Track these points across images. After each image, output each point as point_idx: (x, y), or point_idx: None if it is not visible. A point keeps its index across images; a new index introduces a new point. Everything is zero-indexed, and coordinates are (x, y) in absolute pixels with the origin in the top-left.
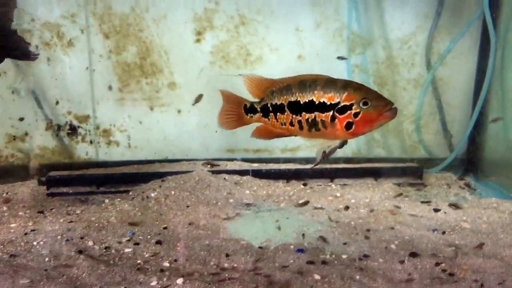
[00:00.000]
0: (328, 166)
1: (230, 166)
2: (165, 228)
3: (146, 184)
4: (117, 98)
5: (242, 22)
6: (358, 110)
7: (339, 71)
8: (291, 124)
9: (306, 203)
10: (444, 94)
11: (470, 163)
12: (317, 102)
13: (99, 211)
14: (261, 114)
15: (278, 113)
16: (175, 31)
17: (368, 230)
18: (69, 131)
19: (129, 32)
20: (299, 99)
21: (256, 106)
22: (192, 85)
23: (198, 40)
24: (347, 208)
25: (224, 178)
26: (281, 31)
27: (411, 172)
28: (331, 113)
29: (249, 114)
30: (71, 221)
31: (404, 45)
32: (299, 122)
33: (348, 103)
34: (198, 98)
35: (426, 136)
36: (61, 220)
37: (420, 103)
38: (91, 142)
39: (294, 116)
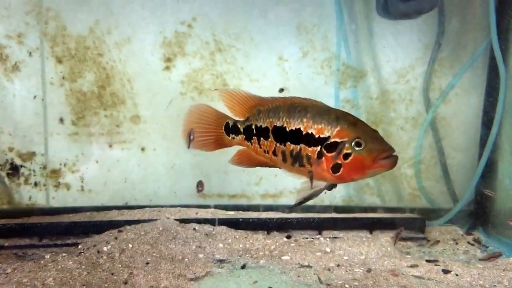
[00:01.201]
0: (315, 215)
1: (201, 214)
2: None
3: (100, 236)
4: (70, 133)
5: (218, 49)
6: (349, 151)
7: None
8: (274, 153)
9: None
10: (447, 136)
11: (479, 216)
12: (304, 133)
13: (35, 270)
14: (244, 137)
15: (261, 138)
16: (141, 57)
17: None
18: (10, 171)
19: (87, 57)
20: (285, 125)
21: (239, 126)
22: (159, 119)
23: (167, 68)
24: (338, 266)
25: (194, 229)
26: (262, 60)
27: (412, 224)
28: (318, 148)
29: (230, 135)
30: None
31: (401, 79)
32: (283, 152)
33: (339, 140)
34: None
35: (427, 183)
36: None
37: (419, 145)
38: (35, 184)
39: (278, 144)
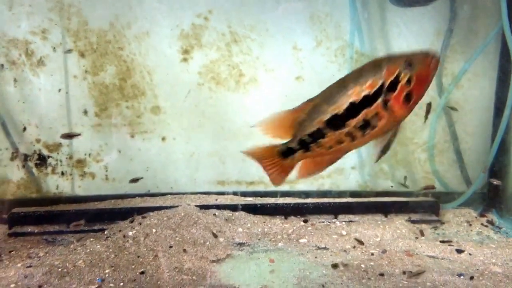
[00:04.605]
0: (331, 200)
1: (221, 200)
2: (142, 273)
3: (124, 222)
4: (93, 124)
5: (234, 40)
6: (408, 74)
7: None
8: (340, 142)
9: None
10: (460, 120)
11: (492, 198)
12: (358, 101)
13: (66, 254)
14: (302, 151)
15: (319, 140)
16: (159, 50)
17: (381, 275)
18: (38, 162)
19: (108, 50)
20: (335, 111)
21: (292, 146)
22: (179, 109)
23: (185, 60)
24: (354, 248)
25: (214, 214)
26: (277, 50)
27: (426, 207)
28: (380, 99)
29: (288, 158)
30: (30, 266)
31: None
32: (349, 134)
33: (393, 77)
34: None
35: (441, 167)
36: (19, 265)
37: (433, 130)
38: (62, 174)
39: (339, 131)
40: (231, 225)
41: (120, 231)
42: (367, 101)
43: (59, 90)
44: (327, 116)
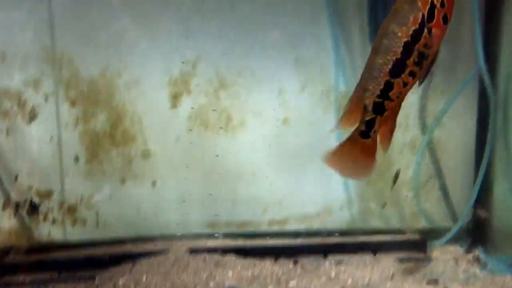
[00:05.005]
0: (320, 240)
1: (211, 243)
2: None
3: (115, 268)
4: (84, 171)
5: (221, 85)
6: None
7: (328, 136)
8: (405, 85)
9: None
10: (443, 157)
11: (477, 234)
12: (410, 40)
13: None
14: (379, 117)
15: (389, 94)
16: (149, 96)
17: None
18: (29, 209)
19: (99, 99)
20: (395, 58)
21: (368, 118)
22: (168, 154)
23: (174, 105)
24: None
25: (204, 258)
26: (264, 94)
27: (413, 245)
28: (425, 30)
29: (370, 134)
30: None
31: None
32: (410, 73)
33: (429, 5)
34: None
35: (427, 204)
36: None
37: (417, 168)
38: (53, 221)
39: (403, 75)
40: (221, 269)
41: (111, 278)
42: (416, 35)
43: (51, 138)
44: (389, 66)
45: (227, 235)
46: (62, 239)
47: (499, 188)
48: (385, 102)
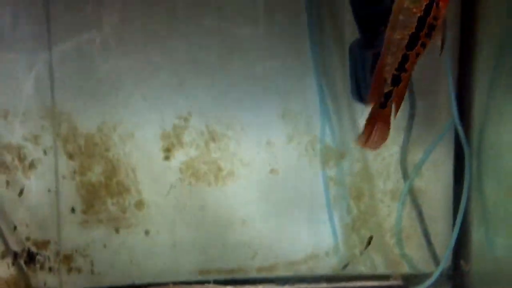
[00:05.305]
0: (307, 286)
1: None
2: None
3: None
4: (80, 221)
5: (212, 138)
6: None
7: (314, 184)
8: (418, 56)
9: None
10: (424, 206)
11: (457, 279)
12: (422, 15)
13: None
14: (395, 88)
15: (404, 65)
16: (143, 149)
17: None
18: (27, 259)
19: (95, 152)
20: (410, 32)
21: (387, 90)
22: (161, 204)
23: (166, 157)
24: None
25: None
26: (252, 145)
27: None
28: (434, 5)
29: (384, 110)
30: None
31: (378, 157)
32: (422, 44)
33: None
34: None
35: (409, 250)
36: None
37: (399, 216)
38: (50, 269)
39: (416, 49)
40: None
41: None
42: (427, 10)
43: (49, 190)
44: (406, 41)
45: (217, 281)
46: (57, 287)
47: (477, 236)
48: (401, 74)
